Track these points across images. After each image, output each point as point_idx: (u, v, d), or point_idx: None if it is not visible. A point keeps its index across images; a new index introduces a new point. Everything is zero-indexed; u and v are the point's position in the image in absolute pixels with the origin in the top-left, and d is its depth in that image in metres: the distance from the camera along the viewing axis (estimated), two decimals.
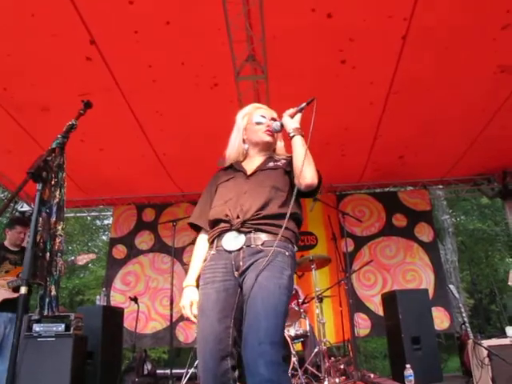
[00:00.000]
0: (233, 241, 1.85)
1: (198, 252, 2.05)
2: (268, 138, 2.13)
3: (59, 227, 1.73)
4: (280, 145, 2.22)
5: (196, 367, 4.92)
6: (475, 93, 4.68)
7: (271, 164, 2.07)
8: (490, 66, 4.29)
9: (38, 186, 1.51)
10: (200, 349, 1.75)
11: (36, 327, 4.82)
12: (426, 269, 6.78)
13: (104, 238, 16.96)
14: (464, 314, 4.82)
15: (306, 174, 1.88)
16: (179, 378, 4.84)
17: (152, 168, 6.06)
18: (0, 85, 4.29)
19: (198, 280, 1.96)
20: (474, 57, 4.14)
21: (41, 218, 1.53)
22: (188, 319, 1.92)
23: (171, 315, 4.81)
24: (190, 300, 1.91)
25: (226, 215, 1.89)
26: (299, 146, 1.93)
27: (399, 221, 7.06)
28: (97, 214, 9.03)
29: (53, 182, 1.64)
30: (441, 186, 7.80)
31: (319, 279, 5.20)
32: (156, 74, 4.26)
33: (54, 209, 1.67)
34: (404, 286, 6.64)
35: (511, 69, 4.29)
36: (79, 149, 5.00)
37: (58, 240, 1.75)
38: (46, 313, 1.74)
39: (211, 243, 1.96)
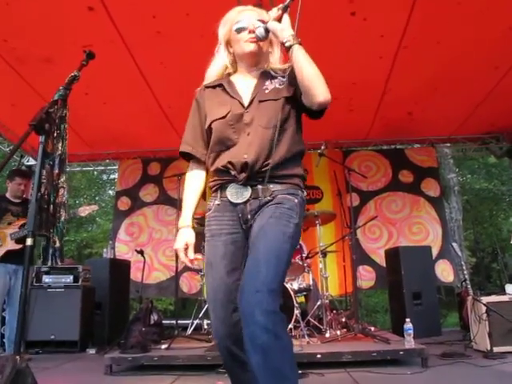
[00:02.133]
0: (238, 193, 1.73)
1: (192, 187, 1.90)
2: (251, 47, 1.79)
3: (62, 179, 1.73)
4: (277, 55, 1.89)
5: (201, 318, 5.07)
6: (488, 49, 4.53)
7: (269, 86, 1.80)
8: (505, 21, 4.13)
9: (41, 139, 1.50)
10: (210, 301, 1.73)
11: (45, 278, 4.96)
12: (433, 222, 6.79)
13: (111, 192, 17.07)
14: (465, 272, 4.88)
15: (318, 90, 1.64)
16: (185, 328, 4.99)
17: (157, 121, 6.00)
18: (0, 36, 4.20)
19: (193, 217, 1.88)
20: (489, 12, 3.98)
21: (44, 171, 1.53)
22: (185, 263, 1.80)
23: (176, 267, 4.90)
24: (184, 242, 1.78)
25: (229, 168, 1.72)
26: (302, 57, 1.65)
27: (406, 177, 7.02)
28: (103, 168, 9.03)
29: (55, 134, 1.63)
30: (448, 144, 7.72)
31: (324, 234, 5.25)
32: (160, 25, 4.14)
33: (57, 161, 1.67)
34: (410, 238, 6.68)
35: None
36: (84, 102, 4.94)
37: (60, 192, 1.75)
38: (49, 263, 1.77)
39: (214, 191, 1.82)
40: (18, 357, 1.43)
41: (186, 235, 1.81)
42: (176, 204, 5.06)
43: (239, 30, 1.82)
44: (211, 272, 1.74)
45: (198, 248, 4.95)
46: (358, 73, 4.94)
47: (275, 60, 1.89)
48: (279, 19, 1.71)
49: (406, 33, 4.32)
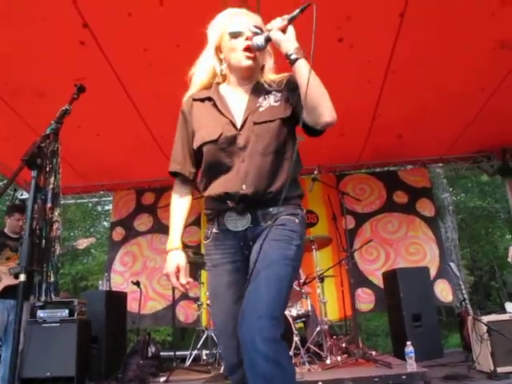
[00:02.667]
0: (237, 221, 1.64)
1: (178, 208, 1.77)
2: (248, 63, 1.66)
3: (56, 213, 1.73)
4: (270, 63, 1.75)
5: (199, 349, 4.99)
6: (474, 70, 4.63)
7: (263, 103, 1.67)
8: (489, 42, 4.23)
9: (33, 173, 1.50)
10: (220, 331, 1.70)
11: (40, 313, 4.87)
12: (430, 242, 6.78)
13: (105, 223, 17.01)
14: (464, 291, 4.85)
15: (326, 110, 1.53)
16: (183, 359, 4.91)
17: (150, 152, 6.02)
18: None
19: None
20: (473, 33, 4.08)
21: (36, 205, 1.53)
22: (179, 289, 1.69)
23: (173, 295, 4.85)
24: (175, 266, 1.67)
25: (226, 198, 1.63)
26: (307, 73, 1.50)
27: (400, 197, 7.04)
28: (97, 199, 9.00)
29: (47, 169, 1.63)
30: (440, 164, 7.78)
31: (321, 259, 5.23)
32: (151, 58, 4.21)
33: (49, 195, 1.67)
34: (407, 258, 6.65)
35: (511, 45, 4.23)
36: (76, 135, 4.95)
37: (54, 226, 1.74)
38: (43, 299, 1.75)
39: (210, 220, 1.73)
40: None
41: (176, 258, 1.70)
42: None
43: (234, 35, 1.67)
44: (218, 303, 1.69)
45: (195, 277, 4.95)
46: (348, 98, 4.99)
47: (268, 70, 1.76)
48: (283, 30, 1.57)
49: (393, 58, 4.41)
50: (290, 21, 1.57)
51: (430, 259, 6.63)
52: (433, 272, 6.27)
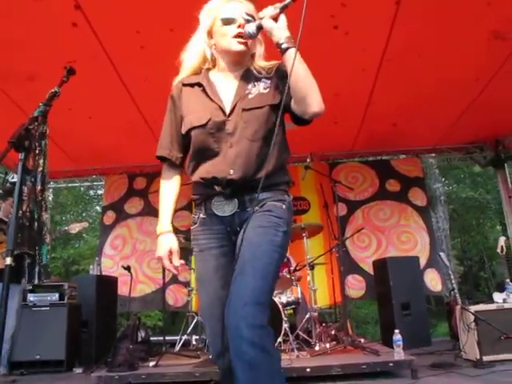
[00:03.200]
0: (224, 206, 1.64)
1: (167, 192, 1.78)
2: (239, 48, 1.66)
3: (44, 196, 1.71)
4: (260, 51, 1.76)
5: (189, 334, 5.01)
6: (469, 60, 4.61)
7: (252, 90, 1.67)
8: (484, 32, 4.21)
9: (21, 156, 1.48)
10: (206, 317, 1.71)
11: (30, 297, 4.87)
12: (421, 231, 6.82)
13: (98, 208, 16.93)
14: (453, 281, 4.90)
15: (314, 100, 1.55)
16: (173, 344, 4.93)
17: (143, 136, 5.97)
18: None
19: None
20: (468, 22, 4.06)
21: (26, 188, 1.51)
22: (170, 271, 1.70)
23: (164, 278, 4.86)
24: (167, 249, 1.68)
25: (214, 182, 1.63)
26: (298, 63, 1.51)
27: (393, 186, 7.06)
28: (89, 183, 8.95)
29: (36, 151, 1.61)
30: (433, 155, 7.81)
31: (312, 246, 5.26)
32: (144, 40, 4.15)
33: (39, 177, 1.65)
34: (399, 247, 6.69)
35: (505, 35, 4.22)
36: (67, 117, 4.91)
37: (43, 209, 1.73)
38: (35, 281, 1.74)
39: (198, 205, 1.73)
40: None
41: (168, 241, 1.70)
42: None
43: (226, 22, 1.67)
44: (205, 288, 1.70)
45: (185, 262, 4.95)
46: (342, 85, 4.98)
47: (258, 57, 1.76)
48: (275, 18, 1.57)
49: (389, 46, 4.38)
50: (282, 9, 1.56)
51: (420, 248, 6.68)
52: (423, 261, 6.32)
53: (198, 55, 1.78)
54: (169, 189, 1.80)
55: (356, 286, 6.52)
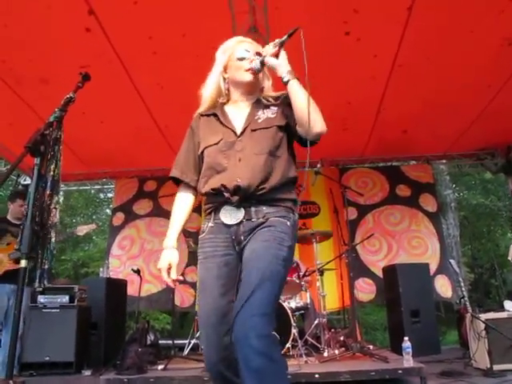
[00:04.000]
0: (232, 215, 1.75)
1: (179, 211, 1.93)
2: (250, 78, 1.87)
3: (54, 200, 1.73)
4: (268, 84, 1.99)
5: (198, 338, 5.02)
6: (481, 66, 4.60)
7: (261, 115, 1.86)
8: (497, 38, 4.20)
9: (36, 161, 1.51)
10: (202, 323, 1.75)
11: (40, 298, 4.90)
12: (432, 237, 6.76)
13: (108, 211, 17.00)
14: (463, 288, 4.85)
15: (315, 122, 1.71)
16: (181, 348, 4.94)
17: (154, 141, 6.02)
18: None
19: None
20: (481, 29, 4.05)
21: (37, 192, 1.53)
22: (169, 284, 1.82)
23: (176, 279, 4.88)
24: (167, 262, 1.80)
25: (222, 191, 1.74)
26: (299, 91, 1.73)
27: (403, 191, 7.02)
28: (100, 187, 9.01)
29: (49, 156, 1.63)
30: (444, 161, 7.76)
31: (322, 251, 5.23)
32: (156, 46, 4.19)
33: (49, 182, 1.67)
34: (410, 252, 6.63)
35: None
36: (80, 122, 4.94)
37: (52, 213, 1.75)
38: (36, 285, 1.76)
39: (208, 214, 1.85)
40: (11, 381, 1.41)
41: (169, 256, 1.83)
42: (169, 216, 5.00)
43: (241, 59, 1.88)
44: (204, 295, 1.76)
45: (195, 265, 4.95)
46: (353, 92, 4.99)
47: (267, 90, 1.97)
48: (276, 55, 1.78)
49: (400, 52, 4.38)
50: (280, 46, 1.77)
51: (431, 254, 6.62)
52: (433, 267, 6.28)
53: (215, 89, 1.96)
54: (181, 208, 1.94)
55: (366, 290, 6.46)
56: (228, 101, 1.97)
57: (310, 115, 1.69)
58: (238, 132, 1.83)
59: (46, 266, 1.77)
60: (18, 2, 3.59)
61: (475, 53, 4.37)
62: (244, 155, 1.77)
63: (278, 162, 1.78)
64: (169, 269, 1.80)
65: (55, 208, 1.77)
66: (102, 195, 17.05)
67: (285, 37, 1.77)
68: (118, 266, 6.84)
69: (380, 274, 6.24)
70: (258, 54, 1.86)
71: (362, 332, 6.13)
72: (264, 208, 1.73)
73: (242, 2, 3.64)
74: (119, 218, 7.24)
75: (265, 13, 3.73)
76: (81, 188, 8.63)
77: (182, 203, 1.94)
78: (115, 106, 5.15)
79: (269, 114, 1.86)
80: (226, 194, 1.73)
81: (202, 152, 1.87)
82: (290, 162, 1.83)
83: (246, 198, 1.73)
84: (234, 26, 3.78)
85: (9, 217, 4.40)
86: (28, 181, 6.89)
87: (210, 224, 1.81)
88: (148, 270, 6.75)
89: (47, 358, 4.62)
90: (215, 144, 1.82)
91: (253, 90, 1.93)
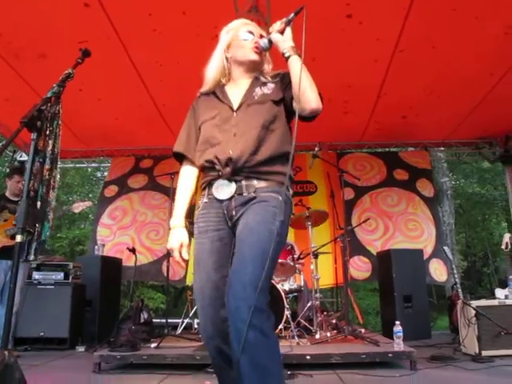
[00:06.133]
0: (223, 189, 1.75)
1: (183, 187, 1.92)
2: (254, 57, 1.90)
3: (53, 175, 1.73)
4: (267, 68, 2.01)
5: (191, 317, 5.07)
6: (483, 54, 4.56)
7: (258, 91, 1.87)
8: (501, 26, 4.15)
9: (33, 136, 1.49)
10: (198, 298, 1.75)
11: (35, 275, 4.92)
12: (428, 222, 6.77)
13: None
14: (456, 276, 4.90)
15: (310, 97, 1.72)
16: (175, 327, 4.98)
17: (151, 119, 5.99)
18: None
19: (186, 216, 1.90)
20: (484, 17, 4.00)
21: (34, 167, 1.52)
22: (178, 262, 1.81)
23: (167, 252, 4.92)
24: (179, 242, 1.80)
25: (215, 163, 1.75)
26: (298, 67, 1.73)
27: (401, 175, 7.03)
28: (97, 165, 8.96)
29: (47, 132, 1.62)
30: (442, 148, 7.76)
31: (319, 235, 5.26)
32: (156, 23, 4.13)
33: (48, 157, 1.66)
34: (406, 234, 6.65)
35: None
36: (78, 98, 4.91)
37: (51, 188, 1.74)
38: (31, 258, 1.77)
39: (202, 190, 1.86)
40: (6, 352, 1.43)
41: (180, 235, 1.82)
42: (164, 191, 4.97)
43: (246, 37, 1.92)
44: (199, 269, 1.76)
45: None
46: (354, 76, 4.95)
47: (266, 72, 1.99)
48: (282, 32, 1.82)
49: (402, 37, 4.33)
50: (287, 23, 1.81)
51: (426, 237, 6.63)
52: (429, 251, 6.34)
53: (217, 68, 1.97)
54: (185, 185, 1.93)
55: (362, 268, 6.45)
56: (228, 80, 1.99)
57: (306, 91, 1.71)
58: (235, 107, 1.85)
59: (41, 239, 1.77)
60: None
61: (478, 40, 4.33)
62: (238, 129, 1.78)
63: (271, 135, 1.78)
64: (180, 248, 1.80)
65: (54, 182, 1.77)
66: (98, 173, 16.98)
67: (291, 15, 1.80)
68: (107, 235, 6.78)
69: (375, 252, 6.29)
70: (262, 36, 1.91)
71: (362, 314, 6.19)
72: (255, 182, 1.73)
73: None
74: (112, 189, 7.18)
75: None
76: (77, 166, 8.57)
77: (187, 179, 1.94)
78: (113, 84, 5.10)
79: (265, 90, 1.88)
80: (218, 167, 1.75)
81: (199, 127, 1.89)
82: (284, 136, 1.82)
83: (237, 170, 1.73)
84: (235, 4, 3.72)
85: (7, 193, 4.40)
86: (24, 157, 6.86)
87: (205, 200, 1.83)
88: (139, 240, 6.69)
89: (42, 334, 4.66)
90: (211, 119, 1.85)
91: (254, 68, 1.95)
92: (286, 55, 1.78)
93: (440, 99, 5.50)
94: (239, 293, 1.50)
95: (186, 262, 1.81)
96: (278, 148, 1.77)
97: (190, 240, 1.86)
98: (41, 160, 1.62)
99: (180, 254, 1.79)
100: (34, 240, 1.77)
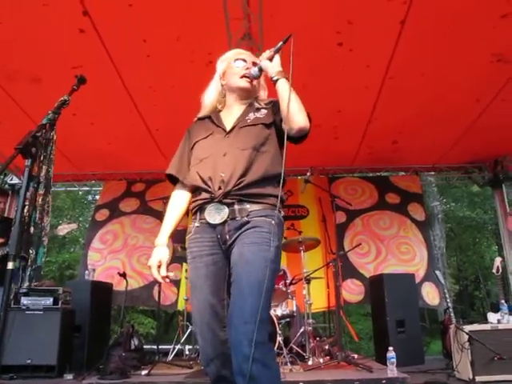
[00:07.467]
0: (216, 214, 1.77)
1: (173, 209, 1.96)
2: (244, 84, 1.99)
3: (46, 200, 1.72)
4: (263, 94, 2.10)
5: (182, 343, 4.99)
6: (471, 81, 4.66)
7: (251, 116, 1.94)
8: (487, 54, 4.26)
9: (27, 162, 1.49)
10: (197, 323, 1.76)
11: (24, 300, 4.81)
12: (420, 245, 6.79)
13: None
14: (448, 300, 4.90)
15: (297, 117, 1.79)
16: (166, 353, 4.90)
17: (144, 144, 6.00)
18: None
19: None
20: (472, 45, 4.11)
21: (28, 193, 1.52)
22: (156, 280, 1.84)
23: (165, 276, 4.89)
24: (158, 260, 1.83)
25: (207, 184, 1.79)
26: (285, 89, 1.81)
27: (392, 199, 7.08)
28: (88, 188, 8.92)
29: (42, 158, 1.62)
30: (432, 173, 7.83)
31: (311, 259, 5.24)
32: (150, 49, 4.18)
33: (42, 182, 1.66)
34: (399, 257, 6.66)
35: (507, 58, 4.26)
36: (71, 122, 4.91)
37: (45, 213, 1.74)
38: (26, 284, 1.75)
39: (194, 214, 1.89)
40: None
41: (160, 253, 1.85)
42: (157, 215, 4.98)
43: (238, 65, 2.02)
44: (195, 294, 1.79)
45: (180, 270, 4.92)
46: (345, 102, 5.03)
47: (262, 99, 2.07)
48: (271, 59, 1.92)
49: (392, 64, 4.42)
50: (276, 51, 1.92)
51: (419, 261, 6.64)
52: (421, 274, 6.35)
53: (214, 95, 2.07)
54: (175, 206, 1.97)
55: (355, 291, 6.43)
56: (223, 107, 2.07)
57: (293, 110, 1.77)
58: (228, 129, 1.92)
59: (37, 265, 1.76)
60: None
61: (466, 67, 4.43)
62: (229, 150, 1.83)
63: (261, 156, 1.82)
64: (159, 266, 1.82)
65: (48, 207, 1.77)
66: (89, 197, 16.89)
67: (280, 43, 1.91)
68: (97, 259, 6.71)
69: (368, 275, 6.26)
70: (255, 64, 2.00)
71: (347, 341, 6.13)
72: (247, 206, 1.75)
73: (237, 8, 3.65)
74: (103, 213, 7.14)
75: (260, 20, 3.74)
76: (68, 189, 8.53)
77: (178, 201, 1.96)
78: (106, 108, 5.13)
79: (258, 114, 1.95)
80: (210, 189, 1.78)
81: (192, 147, 1.97)
82: (275, 158, 1.86)
83: (228, 192, 1.75)
84: (228, 31, 3.78)
85: None
86: (15, 180, 6.82)
87: (196, 224, 1.85)
88: (130, 265, 6.64)
89: (29, 361, 4.54)
90: (204, 138, 1.94)
91: (247, 96, 2.03)
92: (274, 79, 1.88)
93: (430, 125, 5.58)
94: (240, 327, 1.54)
95: (164, 277, 1.82)
96: (269, 169, 1.81)
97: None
98: (35, 185, 1.62)
99: (158, 271, 1.81)
100: (28, 266, 1.75)
